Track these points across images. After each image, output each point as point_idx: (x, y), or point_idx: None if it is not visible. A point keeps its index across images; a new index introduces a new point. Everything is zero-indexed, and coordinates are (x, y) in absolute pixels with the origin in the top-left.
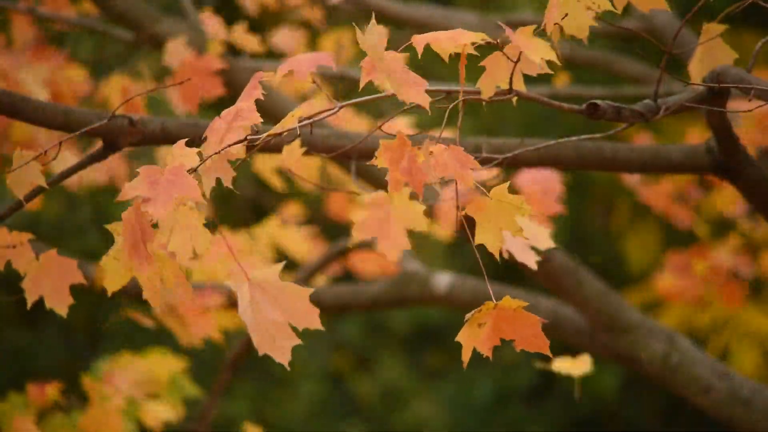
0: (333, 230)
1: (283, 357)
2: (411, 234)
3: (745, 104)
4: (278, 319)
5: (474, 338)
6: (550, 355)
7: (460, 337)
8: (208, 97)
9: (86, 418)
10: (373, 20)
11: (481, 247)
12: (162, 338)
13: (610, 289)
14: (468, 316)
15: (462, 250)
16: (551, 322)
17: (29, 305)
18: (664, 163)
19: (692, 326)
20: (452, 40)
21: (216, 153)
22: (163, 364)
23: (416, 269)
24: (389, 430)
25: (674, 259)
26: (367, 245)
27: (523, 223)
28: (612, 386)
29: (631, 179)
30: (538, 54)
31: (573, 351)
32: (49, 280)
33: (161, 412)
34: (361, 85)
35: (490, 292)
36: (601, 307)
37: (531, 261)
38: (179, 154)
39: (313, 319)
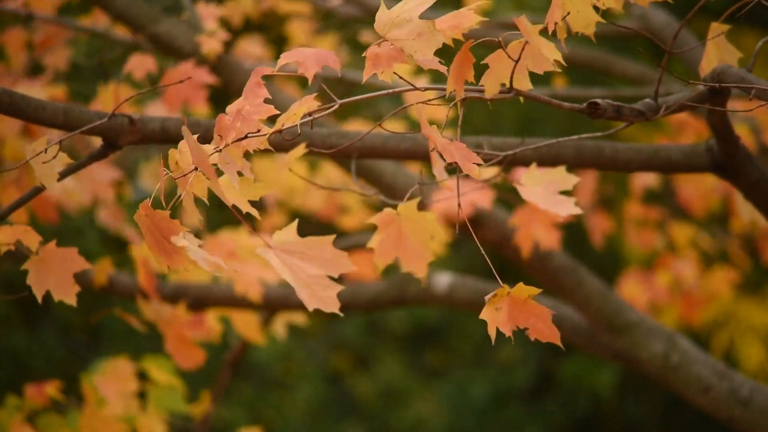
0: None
1: (331, 306)
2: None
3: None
4: (315, 272)
5: (495, 319)
6: (561, 346)
7: (484, 315)
8: (190, 106)
9: (82, 426)
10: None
11: (485, 246)
12: (161, 339)
13: (610, 289)
14: (487, 297)
15: (461, 249)
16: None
17: (39, 300)
18: (663, 162)
19: (693, 323)
20: (456, 28)
21: (235, 141)
22: (160, 368)
23: None
24: (388, 430)
25: (636, 271)
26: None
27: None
28: (610, 386)
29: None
30: (549, 53)
31: (573, 350)
32: (53, 273)
33: (156, 425)
34: (365, 76)
35: (493, 289)
36: (601, 307)
37: (569, 209)
38: (186, 151)
39: (344, 263)
